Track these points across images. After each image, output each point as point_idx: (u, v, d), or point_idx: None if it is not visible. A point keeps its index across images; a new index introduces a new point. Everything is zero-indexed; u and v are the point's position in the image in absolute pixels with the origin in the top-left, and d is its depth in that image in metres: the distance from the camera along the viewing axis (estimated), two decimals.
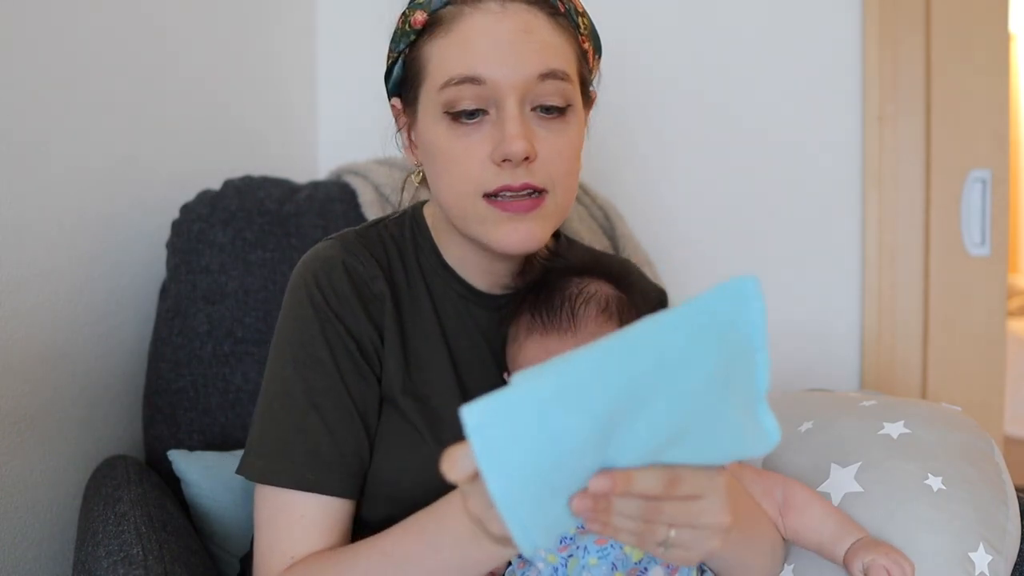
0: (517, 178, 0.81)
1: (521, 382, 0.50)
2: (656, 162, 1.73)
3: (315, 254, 0.90)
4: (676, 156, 1.75)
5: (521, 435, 0.50)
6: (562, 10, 0.84)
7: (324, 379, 0.84)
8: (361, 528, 0.86)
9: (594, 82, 0.93)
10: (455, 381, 0.90)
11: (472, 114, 0.82)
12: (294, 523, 0.81)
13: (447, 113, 0.82)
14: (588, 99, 0.91)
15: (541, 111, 0.82)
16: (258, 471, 0.83)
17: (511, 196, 0.82)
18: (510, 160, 0.80)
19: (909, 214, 1.70)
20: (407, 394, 0.87)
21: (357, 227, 0.95)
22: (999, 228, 1.69)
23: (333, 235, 0.94)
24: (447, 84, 0.81)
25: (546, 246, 0.92)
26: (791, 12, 1.72)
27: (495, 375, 0.90)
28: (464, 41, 0.81)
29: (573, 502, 0.55)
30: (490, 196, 0.82)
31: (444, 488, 0.84)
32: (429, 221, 0.96)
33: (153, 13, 1.36)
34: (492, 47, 0.80)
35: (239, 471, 0.84)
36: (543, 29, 0.82)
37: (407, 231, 0.95)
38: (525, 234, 0.83)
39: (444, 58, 0.82)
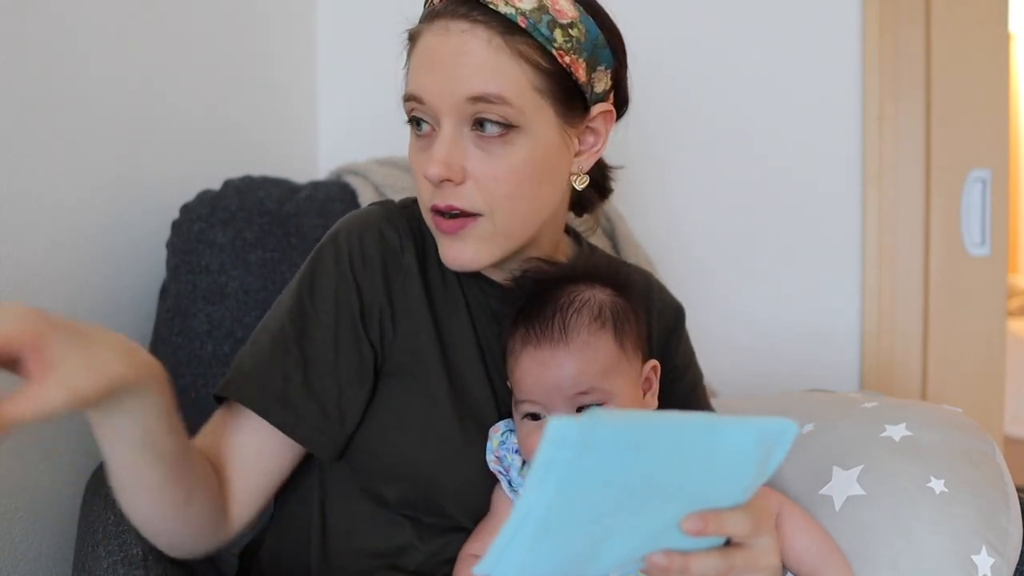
0: (444, 199, 0.84)
1: (604, 417, 0.52)
2: (655, 161, 1.73)
3: (356, 214, 0.93)
4: (675, 155, 1.74)
5: (584, 466, 0.52)
6: (523, 25, 0.81)
7: (318, 332, 0.86)
8: (381, 506, 0.87)
9: (599, 89, 0.88)
10: (479, 360, 0.90)
11: (420, 126, 0.85)
12: (226, 428, 0.86)
13: (410, 123, 0.87)
14: (581, 113, 0.87)
15: (480, 132, 0.83)
16: (226, 383, 0.86)
17: (442, 215, 0.85)
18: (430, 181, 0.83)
19: (909, 214, 1.70)
20: (438, 368, 0.88)
21: (400, 199, 0.97)
22: (999, 228, 1.69)
23: (378, 201, 0.97)
24: (403, 99, 0.86)
25: (543, 258, 0.92)
26: (791, 12, 1.72)
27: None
28: (415, 61, 0.85)
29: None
30: (433, 211, 0.86)
31: (465, 467, 0.86)
32: None
33: (153, 13, 1.36)
34: (429, 68, 0.83)
35: (216, 389, 0.87)
36: (481, 51, 0.81)
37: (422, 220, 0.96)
38: (457, 252, 0.86)
39: (407, 75, 0.87)
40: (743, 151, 1.74)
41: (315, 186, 1.41)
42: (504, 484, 0.85)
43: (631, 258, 1.48)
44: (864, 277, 1.73)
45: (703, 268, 1.73)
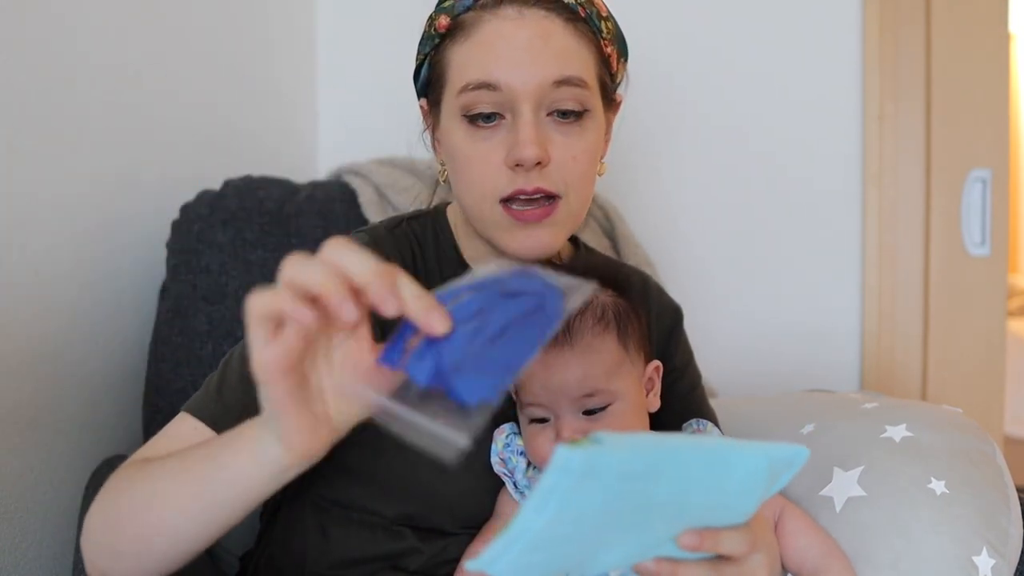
0: (530, 182, 0.82)
1: (612, 443, 0.52)
2: (655, 161, 1.73)
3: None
4: (675, 155, 1.74)
5: (587, 491, 0.52)
6: (582, 15, 0.84)
7: None
8: (376, 522, 0.87)
9: (620, 86, 0.93)
10: None
11: (489, 118, 0.83)
12: (177, 436, 0.81)
13: (465, 117, 0.84)
14: (611, 103, 0.91)
15: (558, 115, 0.83)
16: (192, 401, 0.84)
17: (524, 202, 0.83)
18: (523, 165, 0.81)
19: (909, 214, 1.70)
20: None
21: (385, 222, 0.96)
22: (999, 228, 1.69)
23: (364, 228, 0.96)
24: (465, 89, 0.83)
25: (559, 254, 0.92)
26: (791, 11, 1.72)
27: None
28: (482, 46, 0.83)
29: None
30: (505, 202, 0.84)
31: (462, 478, 0.85)
32: (452, 221, 0.97)
33: (153, 13, 1.36)
34: (508, 53, 0.81)
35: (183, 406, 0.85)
36: (560, 35, 0.82)
37: (429, 230, 0.96)
38: (537, 241, 0.85)
39: (463, 63, 0.84)
40: (743, 151, 1.74)
41: (315, 186, 1.41)
42: (509, 486, 0.85)
43: (631, 258, 1.48)
44: (864, 277, 1.73)
45: (703, 268, 1.73)
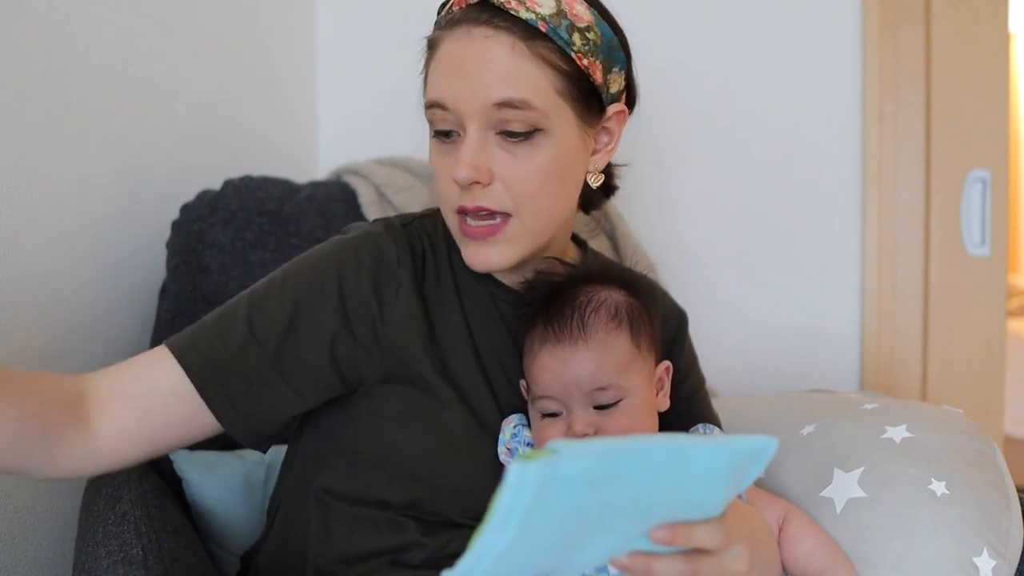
0: (473, 200, 0.85)
1: (568, 453, 0.52)
2: (655, 161, 1.73)
3: (360, 226, 0.95)
4: (675, 155, 1.74)
5: (548, 503, 0.52)
6: (543, 30, 0.82)
7: (275, 315, 0.86)
8: (384, 509, 0.87)
9: (614, 90, 0.90)
10: (479, 371, 0.91)
11: (447, 134, 0.86)
12: (147, 367, 0.85)
13: (433, 131, 0.88)
14: (598, 114, 0.90)
15: (506, 135, 0.84)
16: (171, 337, 0.87)
17: (472, 220, 0.86)
18: (458, 183, 0.84)
19: (909, 214, 1.70)
20: (438, 377, 0.88)
21: (398, 217, 0.98)
22: (999, 228, 1.69)
23: (381, 218, 0.97)
24: (426, 106, 0.87)
25: (559, 259, 0.93)
26: (791, 12, 1.72)
27: (518, 368, 0.91)
28: (437, 67, 0.86)
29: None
30: (460, 214, 0.87)
31: (467, 468, 0.86)
32: None
33: (153, 13, 1.36)
34: (453, 74, 0.84)
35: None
36: (505, 57, 0.82)
37: (440, 228, 0.96)
38: (485, 257, 0.87)
39: (428, 81, 0.88)
40: (743, 151, 1.74)
41: (315, 186, 1.41)
42: None
43: (631, 258, 1.48)
44: (864, 277, 1.73)
45: (703, 268, 1.73)
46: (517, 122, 0.83)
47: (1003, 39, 1.72)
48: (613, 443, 0.54)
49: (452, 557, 0.87)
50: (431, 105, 0.86)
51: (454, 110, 0.84)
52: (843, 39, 1.72)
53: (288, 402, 0.87)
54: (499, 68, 0.82)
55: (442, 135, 0.86)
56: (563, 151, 0.86)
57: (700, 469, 0.58)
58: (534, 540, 0.54)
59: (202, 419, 0.85)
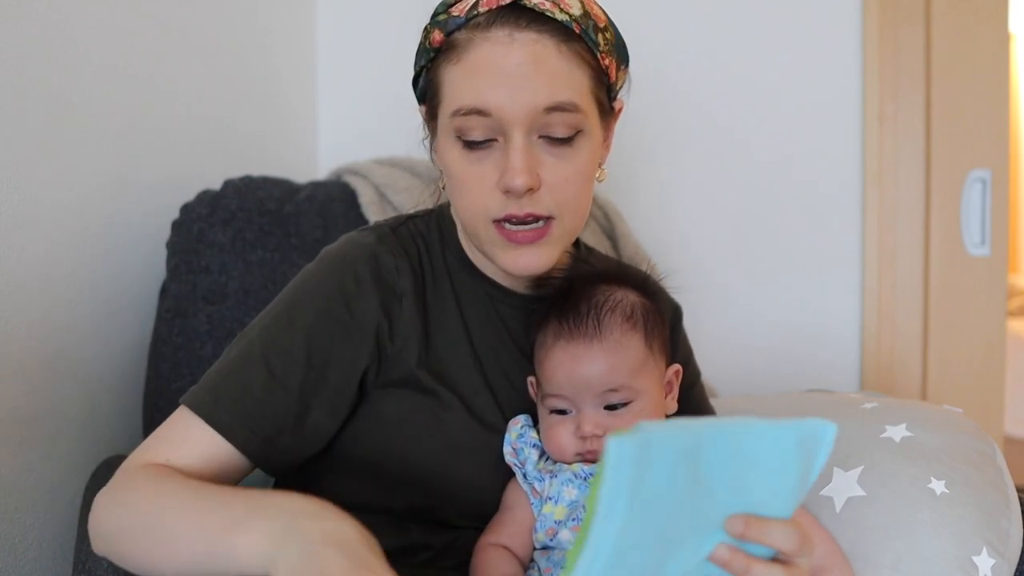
0: (522, 207, 0.83)
1: (653, 427, 0.52)
2: (654, 161, 1.73)
3: (350, 238, 0.92)
4: (675, 155, 1.74)
5: (646, 481, 0.52)
6: (577, 31, 0.82)
7: (289, 349, 0.85)
8: (382, 515, 0.87)
9: (621, 91, 0.92)
10: (479, 373, 0.91)
11: (481, 142, 0.83)
12: (185, 442, 0.82)
13: (459, 139, 0.84)
14: (610, 112, 0.90)
15: (548, 139, 0.83)
16: (188, 394, 0.85)
17: (516, 225, 0.84)
18: (512, 192, 0.82)
19: (909, 214, 1.70)
20: (433, 381, 0.88)
21: (388, 221, 0.96)
22: (999, 228, 1.69)
23: (368, 226, 0.96)
24: (457, 113, 0.83)
25: (567, 253, 0.93)
26: (791, 12, 1.72)
27: (519, 369, 0.91)
28: (473, 71, 0.82)
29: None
30: (498, 221, 0.84)
31: (471, 471, 0.86)
32: (456, 221, 0.97)
33: (153, 13, 1.36)
34: (499, 79, 0.81)
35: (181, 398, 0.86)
36: (551, 59, 0.81)
37: (434, 229, 0.96)
38: (530, 260, 0.86)
39: (456, 86, 0.83)
40: (743, 151, 1.74)
41: (315, 186, 1.41)
42: (519, 477, 0.86)
43: (631, 258, 1.48)
44: (864, 277, 1.72)
45: (703, 268, 1.73)
46: (562, 125, 0.82)
47: (1003, 39, 1.72)
48: (689, 420, 0.55)
49: (456, 557, 0.87)
50: (469, 112, 0.82)
51: (499, 116, 0.81)
52: (843, 39, 1.72)
53: (323, 429, 0.86)
54: (550, 70, 0.81)
55: (475, 143, 0.83)
56: (594, 150, 0.87)
57: (770, 447, 0.58)
58: (638, 533, 0.53)
59: (243, 468, 0.85)
